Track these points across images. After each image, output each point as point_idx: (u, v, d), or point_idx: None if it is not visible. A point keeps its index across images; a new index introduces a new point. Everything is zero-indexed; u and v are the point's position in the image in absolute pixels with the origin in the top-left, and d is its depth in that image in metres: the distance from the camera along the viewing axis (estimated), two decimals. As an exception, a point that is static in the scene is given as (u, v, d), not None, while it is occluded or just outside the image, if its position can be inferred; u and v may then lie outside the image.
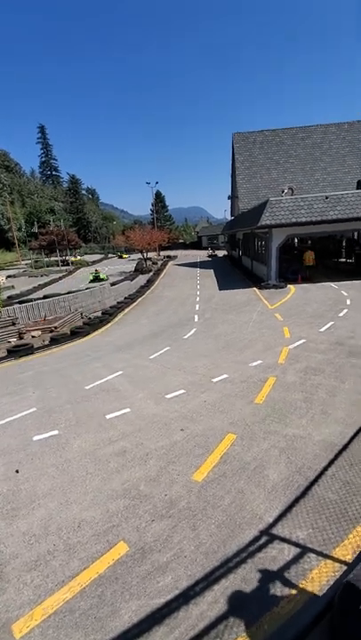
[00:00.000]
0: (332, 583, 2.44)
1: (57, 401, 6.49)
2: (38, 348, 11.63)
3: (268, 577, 2.57)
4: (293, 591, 2.45)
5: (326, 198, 15.88)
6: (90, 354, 10.32)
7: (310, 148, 28.46)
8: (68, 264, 46.12)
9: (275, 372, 6.67)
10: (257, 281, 18.98)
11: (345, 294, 13.59)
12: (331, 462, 3.87)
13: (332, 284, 15.82)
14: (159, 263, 36.58)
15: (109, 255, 60.83)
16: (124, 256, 53.93)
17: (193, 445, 4.46)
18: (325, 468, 3.78)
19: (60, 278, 33.15)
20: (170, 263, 36.78)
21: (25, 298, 21.69)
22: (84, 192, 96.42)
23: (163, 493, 3.63)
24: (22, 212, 70.89)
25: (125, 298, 19.56)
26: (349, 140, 28.19)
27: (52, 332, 14.05)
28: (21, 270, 42.89)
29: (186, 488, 3.68)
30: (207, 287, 20.64)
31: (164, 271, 30.31)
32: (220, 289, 19.44)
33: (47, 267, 44.91)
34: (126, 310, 17.33)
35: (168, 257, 43.14)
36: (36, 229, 60.28)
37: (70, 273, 36.97)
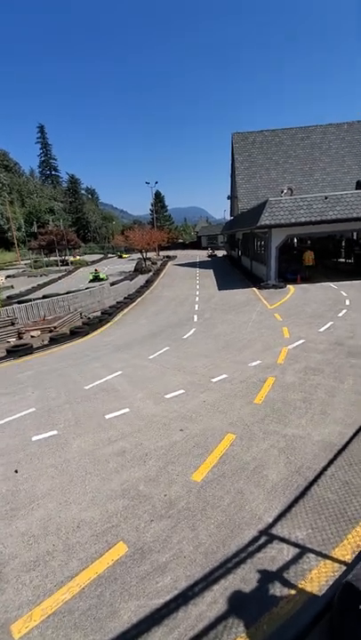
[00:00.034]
0: (331, 583, 2.44)
1: (56, 401, 6.49)
2: (37, 348, 11.62)
3: (267, 577, 2.57)
4: (293, 591, 2.45)
5: (326, 198, 15.89)
6: (89, 354, 10.31)
7: (310, 148, 28.48)
8: (67, 264, 46.06)
9: (274, 372, 6.67)
10: (256, 281, 18.99)
11: (344, 294, 13.61)
12: (330, 462, 3.88)
13: (331, 284, 15.84)
14: (158, 263, 36.55)
15: (109, 255, 60.79)
16: (124, 256, 53.92)
17: (192, 445, 4.46)
18: (325, 468, 3.78)
19: (60, 278, 33.12)
20: (169, 263, 36.76)
21: (24, 298, 21.67)
22: (83, 192, 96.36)
23: (162, 493, 3.63)
24: (21, 212, 70.80)
25: (125, 298, 19.55)
26: (349, 141, 28.23)
27: (51, 331, 14.03)
28: (21, 270, 42.82)
29: (185, 488, 3.68)
30: (207, 287, 20.64)
31: (164, 271, 30.30)
32: (219, 289, 19.44)
33: (46, 266, 44.84)
34: (126, 310, 17.32)
35: (167, 257, 43.09)
36: (35, 229, 60.22)
37: (70, 273, 36.93)
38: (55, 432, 5.20)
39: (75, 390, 6.97)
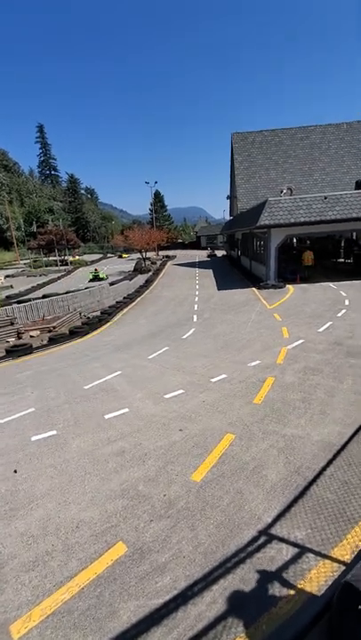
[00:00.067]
0: (330, 583, 2.44)
1: (55, 401, 6.48)
2: (37, 348, 11.61)
3: (266, 577, 2.58)
4: (292, 591, 2.45)
5: (325, 198, 15.91)
6: (88, 354, 10.31)
7: (309, 148, 28.50)
8: (66, 264, 46.04)
9: (273, 372, 6.67)
10: (256, 281, 18.99)
11: (344, 294, 13.62)
12: (329, 462, 3.88)
13: (330, 284, 15.85)
14: (158, 263, 36.54)
15: (108, 255, 60.78)
16: (124, 256, 53.93)
17: (192, 445, 4.46)
18: (324, 468, 3.78)
19: (59, 278, 33.11)
20: (169, 263, 36.75)
21: (23, 297, 21.66)
22: (82, 192, 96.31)
23: (161, 493, 3.63)
24: (21, 212, 70.71)
25: (124, 297, 19.54)
26: (348, 141, 28.25)
27: (50, 331, 14.03)
28: (20, 270, 42.82)
29: (184, 488, 3.68)
30: (206, 287, 20.64)
31: (163, 271, 30.29)
32: (218, 289, 19.45)
33: (46, 266, 44.82)
34: (125, 310, 17.32)
35: (167, 257, 43.10)
36: (34, 229, 60.15)
37: (69, 273, 36.91)
38: (54, 432, 5.20)
39: (74, 390, 6.97)
